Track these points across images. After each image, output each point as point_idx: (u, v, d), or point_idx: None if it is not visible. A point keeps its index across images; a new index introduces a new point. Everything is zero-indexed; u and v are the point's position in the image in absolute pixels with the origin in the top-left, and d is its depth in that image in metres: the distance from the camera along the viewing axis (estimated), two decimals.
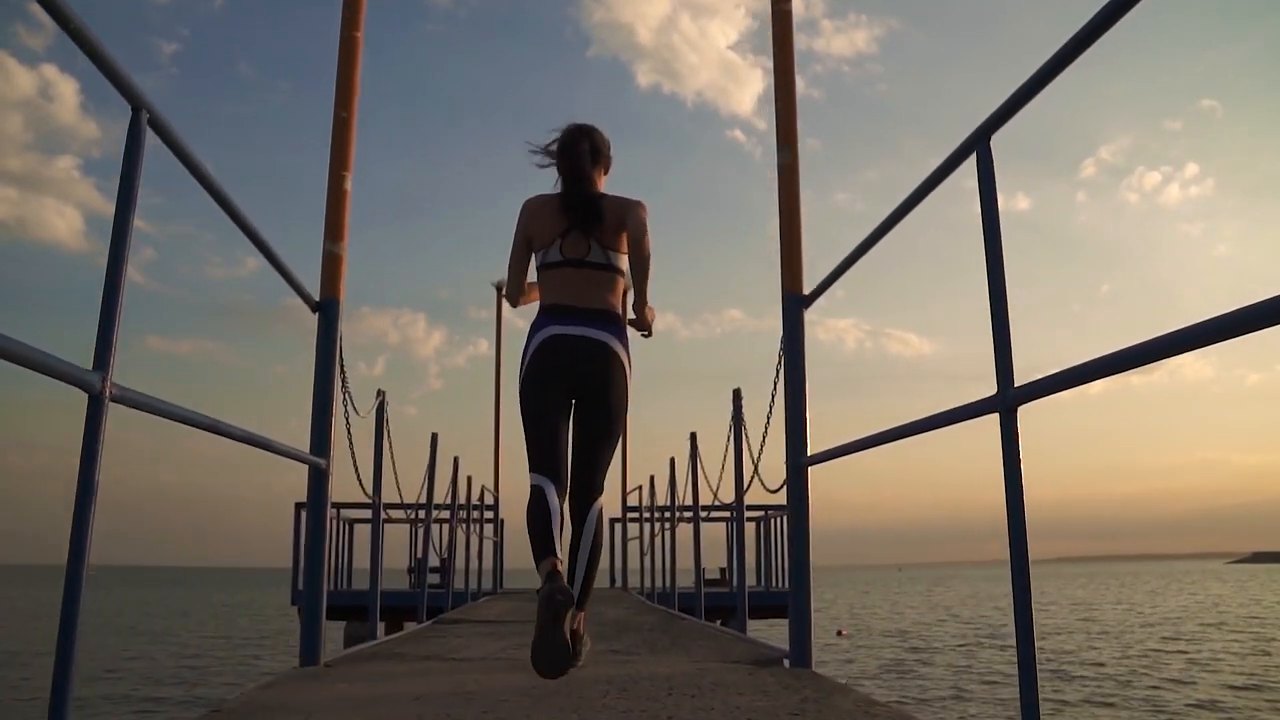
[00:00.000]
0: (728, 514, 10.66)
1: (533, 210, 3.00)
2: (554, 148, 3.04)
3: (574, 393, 2.91)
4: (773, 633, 16.42)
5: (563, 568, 2.63)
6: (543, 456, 2.83)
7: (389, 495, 5.12)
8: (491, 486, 13.57)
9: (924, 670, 13.84)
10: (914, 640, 19.32)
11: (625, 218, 2.92)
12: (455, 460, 7.93)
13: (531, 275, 3.07)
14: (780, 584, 11.43)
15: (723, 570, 13.66)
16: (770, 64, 3.49)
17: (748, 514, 11.60)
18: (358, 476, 4.05)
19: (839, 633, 21.40)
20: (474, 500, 10.48)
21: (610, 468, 2.97)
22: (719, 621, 10.32)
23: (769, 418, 3.82)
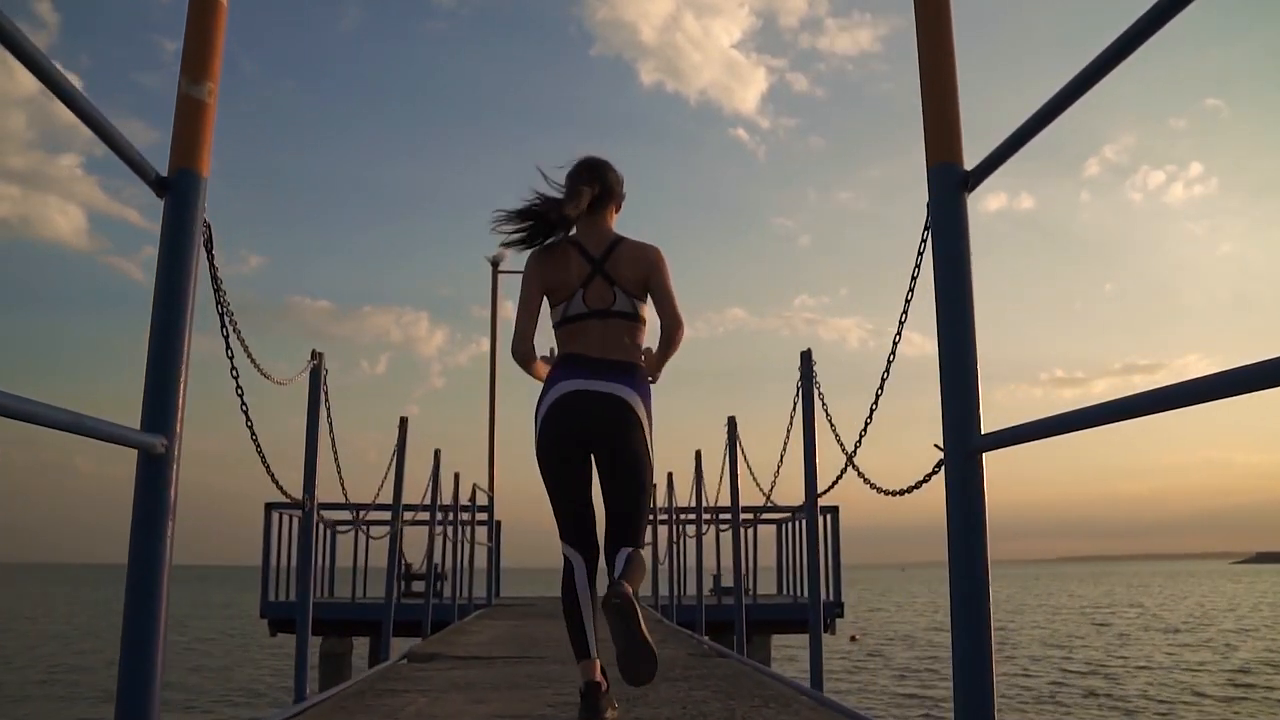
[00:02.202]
0: (750, 516, 9.40)
1: (543, 260, 2.82)
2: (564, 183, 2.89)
3: (591, 449, 2.78)
4: (798, 650, 15.30)
5: (601, 676, 2.65)
6: (569, 527, 2.77)
7: (329, 491, 3.87)
8: (486, 486, 12.29)
9: (939, 685, 12.68)
10: (922, 645, 18.49)
11: (650, 279, 2.82)
12: (436, 453, 6.66)
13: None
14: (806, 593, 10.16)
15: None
16: None
17: (765, 516, 10.47)
18: (266, 467, 2.79)
19: (851, 638, 20.37)
20: (465, 501, 9.23)
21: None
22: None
23: (884, 381, 2.51)
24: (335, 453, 3.83)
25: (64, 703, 11.19)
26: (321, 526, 10.12)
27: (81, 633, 22.36)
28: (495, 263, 12.26)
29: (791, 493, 4.84)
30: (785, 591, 11.02)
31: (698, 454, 6.67)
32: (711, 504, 6.78)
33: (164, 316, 1.93)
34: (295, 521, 9.53)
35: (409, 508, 7.09)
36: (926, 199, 2.13)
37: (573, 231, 2.87)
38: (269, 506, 9.41)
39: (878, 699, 11.56)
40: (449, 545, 8.71)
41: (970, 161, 2.06)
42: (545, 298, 2.86)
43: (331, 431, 3.79)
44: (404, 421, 5.25)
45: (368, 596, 10.08)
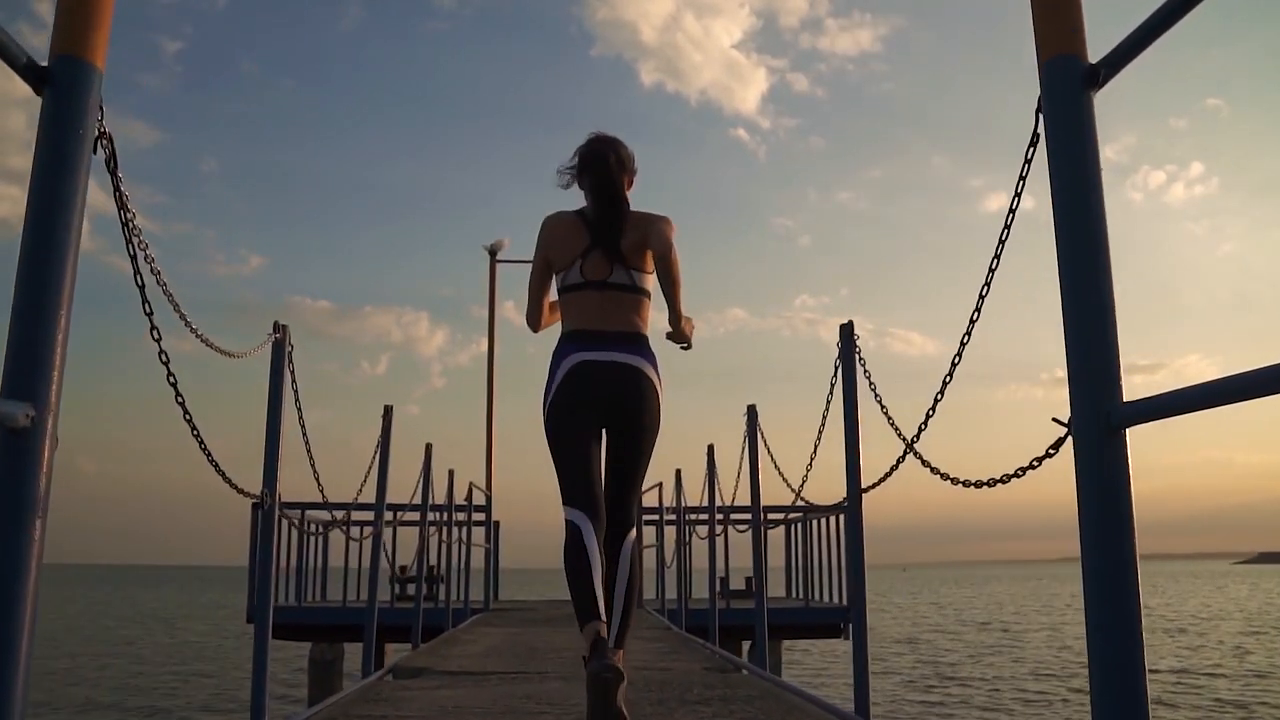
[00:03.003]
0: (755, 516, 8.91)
1: (551, 228, 2.84)
2: (576, 161, 2.85)
3: (605, 421, 2.75)
4: (811, 658, 14.87)
5: (607, 632, 2.45)
6: (576, 488, 2.67)
7: (299, 490, 3.41)
8: (484, 485, 11.82)
9: (938, 687, 12.29)
10: (924, 647, 18.25)
11: (649, 235, 2.74)
12: (428, 448, 6.20)
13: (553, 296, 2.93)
14: (821, 597, 9.68)
15: (748, 580, 12.06)
16: None
17: (789, 516, 10.00)
18: (206, 453, 2.33)
19: None
20: (462, 500, 8.77)
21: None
22: (749, 645, 8.62)
23: (963, 345, 2.04)
24: (306, 442, 3.38)
25: (39, 709, 10.74)
26: (311, 526, 9.67)
27: (75, 635, 21.92)
28: (493, 252, 11.79)
29: (806, 490, 4.41)
30: (795, 594, 10.56)
31: (710, 449, 6.22)
32: (721, 503, 6.35)
33: (36, 252, 1.46)
34: (287, 523, 9.07)
35: (398, 507, 6.63)
36: (1038, 102, 1.67)
37: (583, 205, 2.85)
38: (256, 505, 8.94)
39: (882, 705, 11.14)
40: (443, 546, 8.25)
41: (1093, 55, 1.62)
42: (549, 266, 2.87)
43: (301, 418, 3.33)
44: (388, 410, 4.78)
45: (360, 600, 9.61)
